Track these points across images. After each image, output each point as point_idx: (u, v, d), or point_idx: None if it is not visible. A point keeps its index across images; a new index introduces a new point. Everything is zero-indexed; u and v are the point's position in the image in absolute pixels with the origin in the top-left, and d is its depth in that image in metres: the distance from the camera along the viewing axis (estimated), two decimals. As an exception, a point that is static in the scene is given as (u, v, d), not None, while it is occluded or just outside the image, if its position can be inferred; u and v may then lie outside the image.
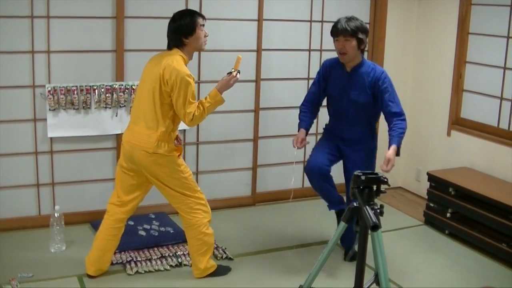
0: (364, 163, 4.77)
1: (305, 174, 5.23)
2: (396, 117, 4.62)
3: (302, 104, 5.09)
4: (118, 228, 4.59)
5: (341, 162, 5.02)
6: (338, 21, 4.69)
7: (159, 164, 4.33)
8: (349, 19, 4.65)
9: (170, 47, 4.39)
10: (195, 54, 5.62)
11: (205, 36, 4.42)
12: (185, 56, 4.36)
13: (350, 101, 4.76)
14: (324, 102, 5.11)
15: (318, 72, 5.03)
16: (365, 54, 5.14)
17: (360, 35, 4.62)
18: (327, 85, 4.93)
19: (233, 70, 4.49)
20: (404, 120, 4.64)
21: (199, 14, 4.38)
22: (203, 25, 4.39)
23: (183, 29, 4.30)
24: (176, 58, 4.27)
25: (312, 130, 5.91)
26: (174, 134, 4.42)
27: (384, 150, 4.64)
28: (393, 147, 4.52)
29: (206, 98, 4.40)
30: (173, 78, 4.18)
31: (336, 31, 4.66)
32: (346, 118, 4.86)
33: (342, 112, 4.87)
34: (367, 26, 4.71)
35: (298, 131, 4.96)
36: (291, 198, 5.66)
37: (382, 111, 4.75)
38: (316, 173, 4.85)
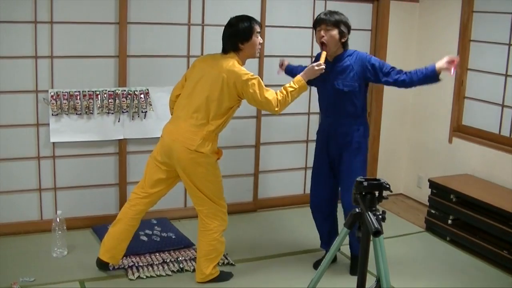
0: (354, 162, 4.76)
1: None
2: (402, 72, 4.62)
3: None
4: (137, 219, 4.65)
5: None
6: (319, 14, 4.68)
7: (197, 163, 4.36)
8: (333, 11, 4.64)
9: (226, 51, 4.43)
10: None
11: (259, 44, 4.47)
12: (240, 60, 4.42)
13: (335, 91, 4.69)
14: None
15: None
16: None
17: (342, 28, 4.59)
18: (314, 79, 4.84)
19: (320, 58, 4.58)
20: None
21: (256, 21, 4.44)
22: (259, 32, 4.44)
23: (240, 35, 4.36)
24: (234, 62, 4.34)
25: (303, 136, 5.96)
26: (218, 136, 4.48)
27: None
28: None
29: (290, 83, 4.46)
30: (240, 82, 4.26)
31: (318, 21, 4.63)
32: (333, 110, 4.78)
33: (329, 103, 4.81)
34: (350, 22, 4.66)
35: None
36: None
37: (388, 84, 4.68)
38: (318, 211, 5.09)
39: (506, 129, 5.81)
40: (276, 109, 4.38)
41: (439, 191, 5.80)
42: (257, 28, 4.42)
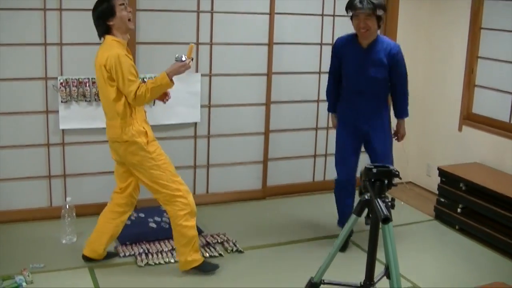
0: (383, 138, 4.96)
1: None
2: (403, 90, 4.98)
3: (328, 85, 5.20)
4: (117, 212, 4.64)
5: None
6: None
7: (130, 152, 4.34)
8: None
9: (100, 35, 4.36)
10: (204, 47, 5.67)
11: (129, 12, 4.31)
12: (117, 38, 4.30)
13: (368, 78, 4.78)
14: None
15: (332, 52, 5.08)
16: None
17: (379, 12, 4.59)
18: (342, 63, 4.93)
19: (185, 58, 4.32)
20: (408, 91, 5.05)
21: None
22: (123, 4, 4.27)
23: (102, 14, 4.25)
24: (108, 43, 4.26)
25: (312, 124, 5.97)
26: (139, 116, 4.38)
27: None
28: (402, 121, 5.09)
29: (154, 79, 4.31)
30: (109, 63, 4.16)
31: (355, 7, 4.59)
32: (363, 94, 4.87)
33: (360, 89, 4.87)
34: (383, 0, 4.70)
35: (329, 112, 5.37)
36: None
37: (395, 85, 4.94)
38: (342, 186, 5.11)
39: (516, 117, 5.79)
40: (133, 102, 4.24)
41: (448, 179, 5.78)
42: (119, 1, 4.24)
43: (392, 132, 5.13)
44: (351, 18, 4.75)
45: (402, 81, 4.94)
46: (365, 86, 4.83)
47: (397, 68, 4.82)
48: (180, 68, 4.30)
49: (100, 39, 4.37)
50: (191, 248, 4.53)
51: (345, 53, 4.89)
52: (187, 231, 4.49)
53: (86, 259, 4.68)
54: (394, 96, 5.01)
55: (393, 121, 5.11)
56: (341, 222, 5.22)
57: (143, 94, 4.20)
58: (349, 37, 4.90)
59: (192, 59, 4.39)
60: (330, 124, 5.51)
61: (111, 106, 4.28)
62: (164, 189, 4.41)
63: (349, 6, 4.67)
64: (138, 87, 4.19)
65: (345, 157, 5.04)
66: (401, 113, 5.05)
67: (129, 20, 4.31)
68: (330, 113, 5.34)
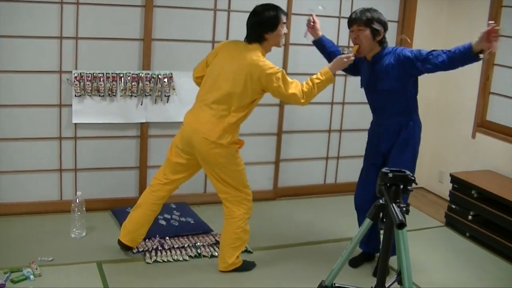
0: (400, 158, 4.54)
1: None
2: (441, 53, 4.33)
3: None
4: (158, 204, 4.66)
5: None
6: (354, 11, 4.51)
7: (217, 153, 4.32)
8: (366, 9, 4.46)
9: (250, 40, 4.34)
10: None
11: (284, 34, 4.39)
12: (264, 51, 4.35)
13: (379, 92, 4.58)
14: (362, 100, 5.00)
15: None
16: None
17: (375, 25, 4.40)
18: (360, 76, 4.78)
19: (348, 52, 4.50)
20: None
21: (282, 11, 4.34)
22: (285, 22, 4.36)
23: (265, 24, 4.27)
24: (258, 54, 4.26)
25: (361, 125, 5.92)
26: (239, 127, 4.44)
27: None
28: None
29: (316, 75, 4.37)
30: (264, 75, 4.18)
31: (350, 20, 4.49)
32: (381, 110, 4.68)
33: (376, 104, 4.72)
34: (385, 18, 4.48)
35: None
36: None
37: (431, 71, 4.38)
38: (361, 212, 4.82)
39: (531, 126, 5.76)
40: (302, 101, 4.31)
41: (460, 186, 5.75)
42: (283, 18, 4.32)
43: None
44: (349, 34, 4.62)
45: (428, 57, 4.32)
46: (379, 101, 4.66)
47: (411, 59, 4.36)
48: (343, 60, 4.43)
49: (245, 40, 4.37)
50: (240, 251, 4.61)
51: (360, 67, 4.74)
52: (244, 235, 4.59)
53: (123, 246, 4.71)
54: (440, 65, 4.33)
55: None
56: (361, 244, 4.96)
57: (310, 90, 4.32)
58: None
59: (355, 55, 4.48)
60: (344, 126, 5.42)
61: (230, 108, 4.29)
62: (238, 191, 4.50)
63: (347, 22, 4.55)
64: (302, 86, 4.31)
65: (364, 183, 4.85)
66: (466, 48, 4.29)
67: (283, 37, 4.42)
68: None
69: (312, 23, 4.89)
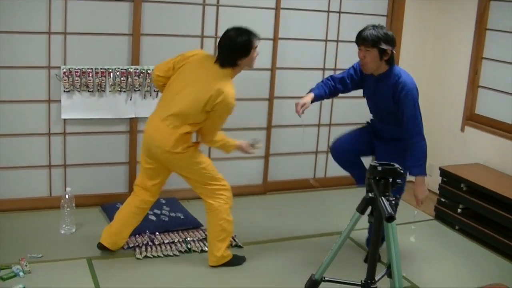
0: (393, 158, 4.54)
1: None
2: (413, 138, 4.48)
3: (327, 77, 4.91)
4: (143, 208, 4.66)
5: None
6: (363, 28, 4.44)
7: (174, 158, 4.35)
8: (374, 27, 4.41)
9: (223, 64, 4.31)
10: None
11: (256, 55, 4.41)
12: (235, 74, 4.38)
13: (380, 109, 4.66)
14: (352, 94, 5.02)
15: (354, 66, 4.81)
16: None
17: (383, 45, 4.36)
18: (363, 86, 4.78)
19: (256, 145, 4.79)
20: (422, 140, 4.50)
21: (254, 35, 4.33)
22: (257, 46, 4.36)
23: (238, 50, 4.27)
24: (229, 83, 4.29)
25: (350, 119, 5.93)
26: (192, 134, 4.45)
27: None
28: (418, 179, 4.56)
29: (230, 140, 4.62)
30: (221, 105, 4.23)
31: (358, 40, 4.46)
32: (380, 119, 4.76)
33: (376, 113, 4.79)
34: (392, 35, 4.44)
35: (306, 94, 4.81)
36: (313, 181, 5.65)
37: (402, 127, 4.51)
38: (337, 157, 4.92)
39: (519, 119, 5.78)
40: (208, 142, 4.56)
41: (450, 179, 5.77)
42: (256, 42, 4.33)
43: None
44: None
45: (410, 128, 4.47)
46: (379, 113, 4.73)
47: (404, 111, 4.44)
48: (246, 149, 4.75)
49: (218, 63, 4.33)
50: (227, 243, 4.61)
51: (365, 78, 4.71)
52: (228, 226, 4.58)
53: (103, 248, 4.67)
54: (404, 145, 4.54)
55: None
56: (357, 182, 5.01)
57: (217, 143, 4.57)
58: None
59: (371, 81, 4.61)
60: (334, 120, 5.43)
61: (185, 121, 4.30)
62: (211, 185, 4.52)
63: (356, 39, 4.50)
64: (219, 135, 4.53)
65: (349, 136, 4.92)
66: (411, 168, 4.49)
67: (255, 60, 4.45)
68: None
69: (301, 111, 4.76)
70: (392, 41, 4.43)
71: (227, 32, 4.35)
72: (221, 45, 4.34)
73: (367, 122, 4.98)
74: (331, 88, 4.83)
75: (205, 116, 4.31)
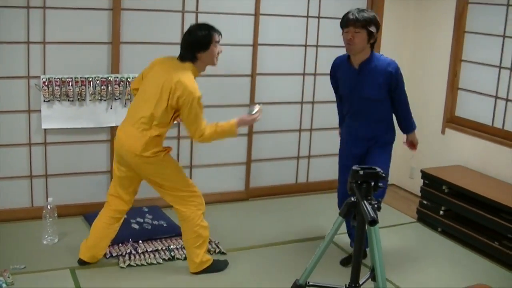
0: (379, 157, 4.67)
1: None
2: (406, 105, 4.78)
3: (336, 101, 5.06)
4: (117, 218, 4.63)
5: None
6: (349, 11, 4.46)
7: (145, 162, 4.33)
8: (361, 10, 4.44)
9: (183, 59, 4.35)
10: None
11: (219, 53, 4.40)
12: (197, 70, 4.38)
13: (362, 99, 4.61)
14: (332, 98, 5.05)
15: (330, 72, 4.90)
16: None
17: (371, 28, 4.39)
18: (338, 85, 4.83)
19: (256, 111, 4.57)
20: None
21: (215, 30, 4.35)
22: (218, 41, 4.37)
23: (197, 44, 4.29)
24: (188, 75, 4.27)
25: (331, 124, 5.94)
26: (163, 138, 4.44)
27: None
28: (413, 133, 4.95)
29: (222, 123, 4.42)
30: (185, 97, 4.19)
31: (347, 21, 4.43)
32: (360, 116, 4.72)
33: (355, 110, 4.74)
34: (378, 19, 4.50)
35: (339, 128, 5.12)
36: None
37: (393, 105, 4.73)
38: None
39: (499, 121, 5.81)
40: (198, 137, 4.35)
41: (431, 182, 5.80)
42: (216, 37, 4.35)
43: (404, 142, 5.02)
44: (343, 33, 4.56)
45: (404, 98, 4.74)
46: (360, 108, 4.69)
47: (398, 87, 4.62)
48: (250, 119, 4.59)
49: (178, 59, 4.37)
50: (204, 249, 4.60)
51: (340, 75, 4.75)
52: (203, 232, 4.56)
53: (84, 263, 4.64)
54: (399, 115, 4.82)
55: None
56: (352, 241, 5.04)
57: (210, 134, 4.36)
58: (343, 58, 4.73)
59: (259, 113, 4.59)
60: (314, 125, 5.46)
61: (151, 122, 4.29)
62: (181, 191, 4.47)
63: (341, 22, 4.51)
64: (207, 126, 4.33)
65: (345, 180, 4.89)
66: (408, 128, 4.91)
67: (217, 56, 4.42)
68: (340, 128, 5.11)
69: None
70: (378, 25, 4.50)
71: (188, 28, 4.40)
72: (182, 40, 4.39)
73: (341, 130, 5.00)
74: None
75: (170, 114, 4.29)
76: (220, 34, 4.40)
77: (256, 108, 4.56)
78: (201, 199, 4.56)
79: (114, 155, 4.53)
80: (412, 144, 5.02)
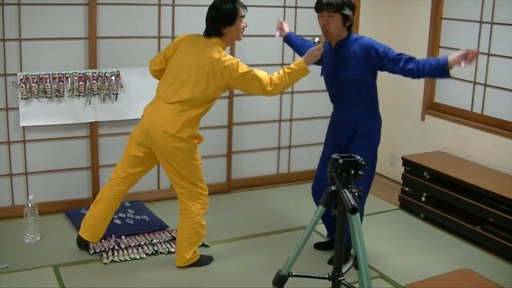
0: (359, 150, 4.26)
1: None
2: (411, 61, 4.37)
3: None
4: (118, 199, 4.66)
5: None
6: None
7: (175, 147, 4.30)
8: None
9: (208, 35, 4.32)
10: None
11: (244, 28, 4.36)
12: (224, 45, 4.33)
13: (339, 80, 4.51)
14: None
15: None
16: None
17: (346, 11, 4.33)
18: (321, 64, 4.72)
19: (318, 41, 4.40)
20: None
21: (240, 3, 4.31)
22: (244, 16, 4.32)
23: (222, 18, 4.25)
24: (219, 50, 4.25)
25: (311, 113, 5.91)
26: (200, 120, 4.41)
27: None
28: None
29: (289, 65, 4.33)
30: (226, 69, 4.16)
31: (320, 6, 4.38)
32: (339, 100, 4.63)
33: (335, 93, 4.66)
34: (353, 1, 4.44)
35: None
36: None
37: (394, 72, 4.47)
38: (317, 195, 4.77)
39: (478, 106, 5.84)
40: (269, 88, 4.25)
41: (412, 168, 5.82)
42: (242, 12, 4.29)
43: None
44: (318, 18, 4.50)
45: (403, 56, 4.40)
46: (338, 90, 4.59)
47: (385, 56, 4.38)
48: (315, 52, 4.35)
49: (204, 35, 4.36)
50: (197, 246, 4.62)
51: (322, 57, 4.57)
52: (201, 230, 4.58)
53: (83, 242, 4.70)
54: (420, 70, 4.34)
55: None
56: (329, 233, 5.04)
57: (280, 78, 4.27)
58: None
59: (329, 52, 4.48)
60: (294, 115, 5.43)
61: (192, 101, 4.26)
62: (193, 185, 4.48)
63: (315, 5, 4.45)
64: (272, 75, 4.27)
65: (323, 170, 4.84)
66: (441, 64, 4.30)
67: (243, 31, 4.37)
68: None
69: (280, 26, 5.09)
70: (353, 6, 4.43)
71: (212, 3, 4.35)
72: (207, 16, 4.34)
73: (329, 122, 4.88)
74: (302, 45, 4.93)
75: (213, 94, 4.29)
76: (245, 8, 4.35)
77: (317, 38, 4.43)
78: (207, 199, 4.59)
79: (136, 133, 4.50)
80: (469, 55, 4.29)
